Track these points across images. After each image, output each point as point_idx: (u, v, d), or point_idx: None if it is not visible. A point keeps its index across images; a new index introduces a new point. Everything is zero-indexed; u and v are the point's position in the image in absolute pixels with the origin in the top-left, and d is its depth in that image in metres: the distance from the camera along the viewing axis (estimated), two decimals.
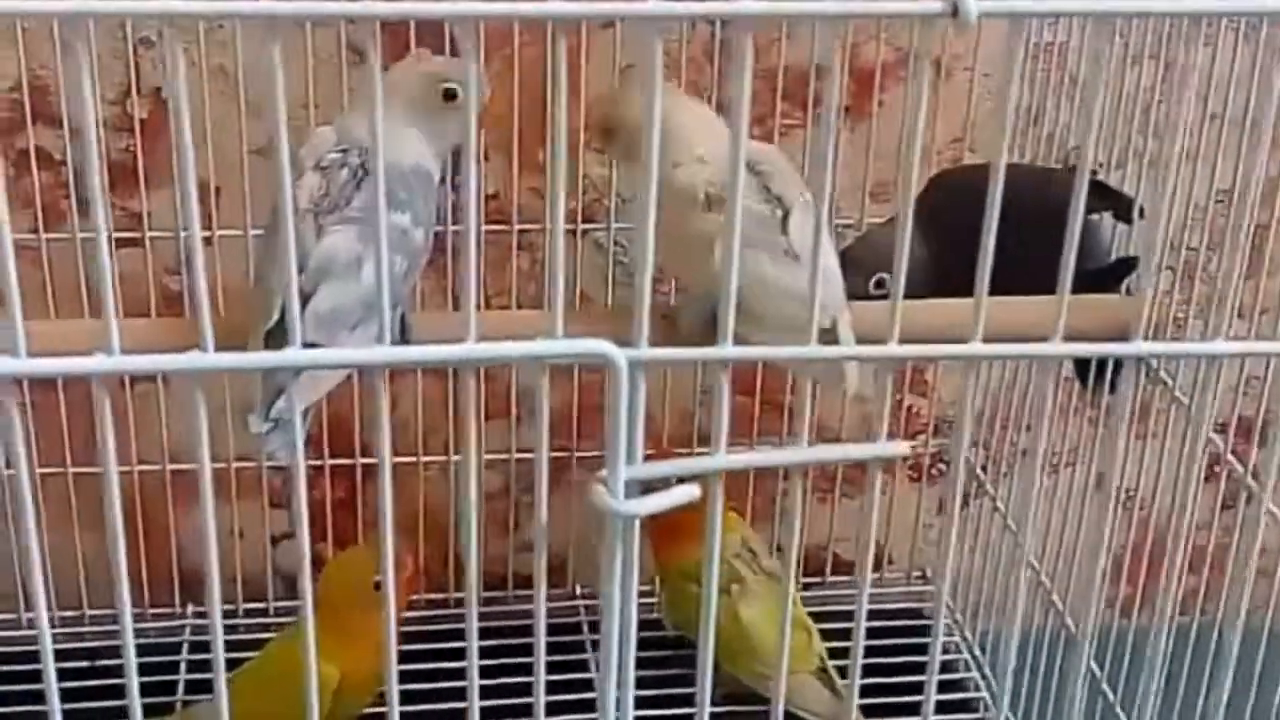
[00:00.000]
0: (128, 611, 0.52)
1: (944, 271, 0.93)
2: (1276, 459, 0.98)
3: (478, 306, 1.18)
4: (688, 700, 1.09)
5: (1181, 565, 0.96)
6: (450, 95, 0.88)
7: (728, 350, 0.52)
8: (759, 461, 0.54)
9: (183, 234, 1.15)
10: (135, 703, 0.55)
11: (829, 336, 0.92)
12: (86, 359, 0.47)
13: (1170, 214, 0.97)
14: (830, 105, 0.49)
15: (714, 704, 1.13)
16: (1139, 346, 0.57)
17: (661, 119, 0.87)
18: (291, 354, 0.49)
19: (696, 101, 0.92)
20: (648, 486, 0.52)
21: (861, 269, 0.95)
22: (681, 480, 0.53)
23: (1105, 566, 1.07)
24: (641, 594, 1.21)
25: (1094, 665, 1.09)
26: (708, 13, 0.49)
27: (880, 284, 0.96)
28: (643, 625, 1.18)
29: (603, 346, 0.49)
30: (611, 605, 0.53)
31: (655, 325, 0.94)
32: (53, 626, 1.20)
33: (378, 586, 1.04)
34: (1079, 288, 0.92)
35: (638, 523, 0.53)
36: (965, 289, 0.90)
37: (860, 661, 0.61)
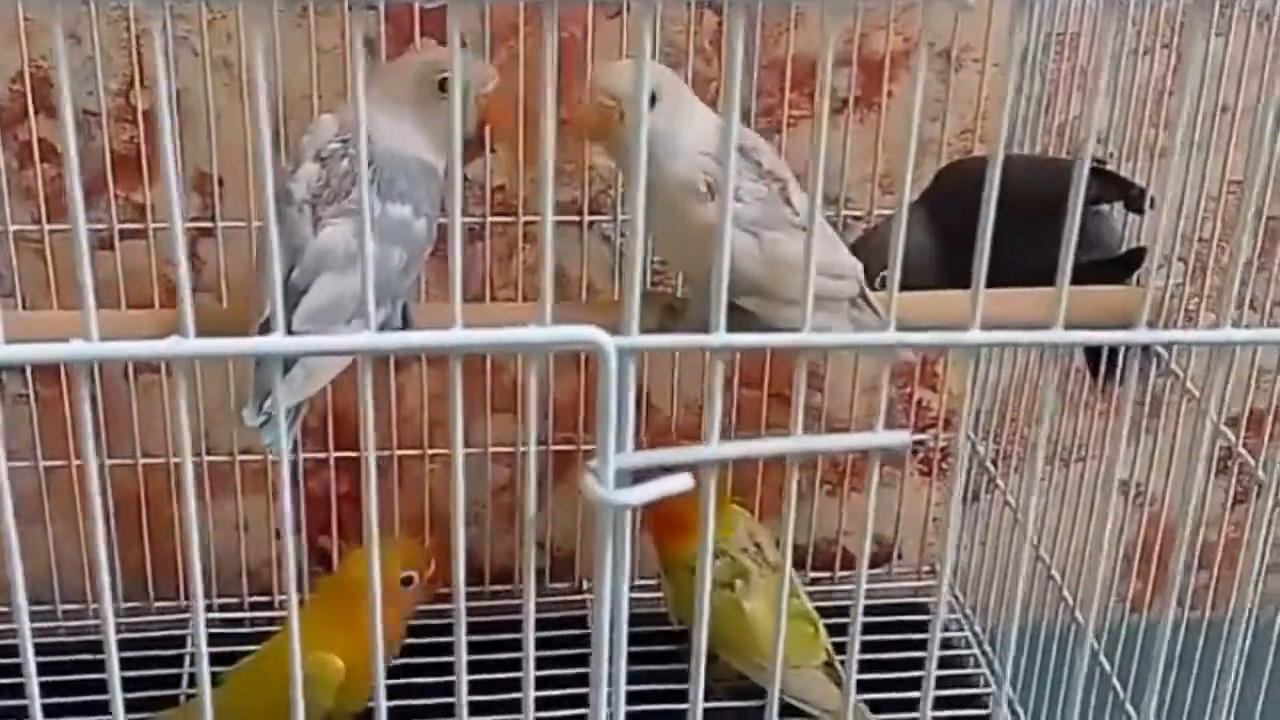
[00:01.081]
0: (108, 603, 0.51)
1: (953, 261, 0.92)
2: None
3: (481, 299, 1.18)
4: (672, 677, 1.10)
5: (1190, 560, 0.95)
6: (447, 85, 0.86)
7: (720, 337, 0.51)
8: (753, 451, 0.53)
9: (178, 226, 1.15)
10: (117, 699, 0.53)
11: (862, 301, 0.91)
12: (64, 345, 0.46)
13: (1181, 204, 0.96)
14: (824, 90, 0.48)
15: (719, 699, 1.13)
16: (1141, 334, 0.56)
17: (674, 100, 0.87)
18: (275, 340, 0.48)
19: (689, 92, 0.92)
20: (644, 476, 0.52)
21: (870, 262, 0.94)
22: (675, 470, 0.52)
23: (1116, 560, 1.06)
24: (648, 588, 1.22)
25: (1104, 660, 1.08)
26: None
27: (882, 282, 0.95)
28: (649, 619, 1.18)
29: (592, 333, 0.49)
30: (602, 595, 0.52)
31: (661, 317, 0.94)
32: (58, 619, 1.22)
33: (406, 582, 1.05)
34: (1090, 278, 0.91)
35: (630, 513, 0.52)
36: (966, 273, 0.90)
37: (856, 655, 0.60)
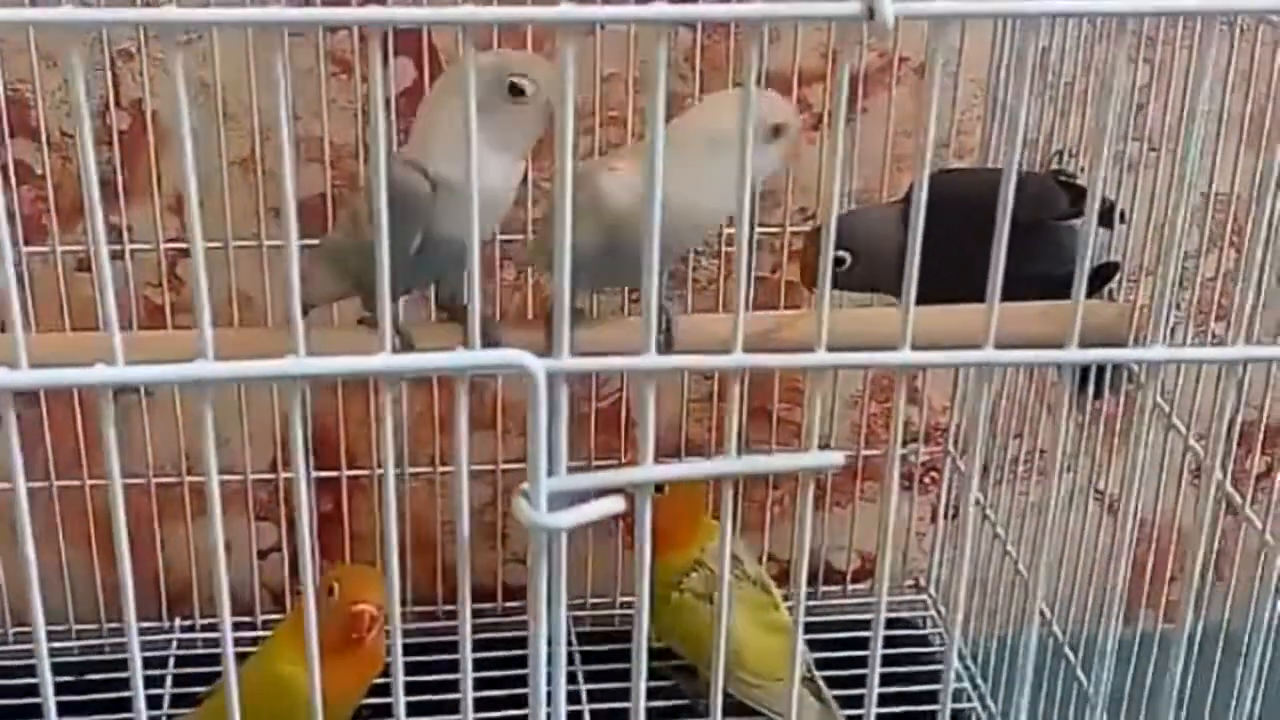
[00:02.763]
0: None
1: (927, 266, 0.92)
2: (1255, 467, 0.97)
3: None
4: (653, 694, 1.10)
5: (1160, 571, 0.95)
6: (516, 90, 0.81)
7: (651, 360, 0.51)
8: (686, 473, 0.53)
9: (163, 246, 1.15)
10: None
11: None
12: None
13: (1150, 218, 0.96)
14: (750, 112, 0.48)
15: (698, 714, 1.13)
16: (1074, 354, 0.56)
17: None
18: (203, 367, 0.48)
19: None
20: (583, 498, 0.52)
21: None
22: (609, 493, 0.52)
23: (1077, 565, 1.06)
24: (623, 604, 1.22)
25: (1081, 675, 1.08)
26: (627, 16, 0.48)
27: (839, 262, 0.94)
28: (621, 637, 1.18)
29: (519, 356, 0.49)
30: (538, 619, 0.52)
31: None
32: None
33: (330, 593, 1.04)
34: (1060, 293, 0.91)
35: (564, 535, 0.52)
36: (939, 285, 0.90)
37: (795, 666, 0.59)
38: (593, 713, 1.18)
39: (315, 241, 1.17)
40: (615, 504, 0.51)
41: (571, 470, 0.50)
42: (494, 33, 1.00)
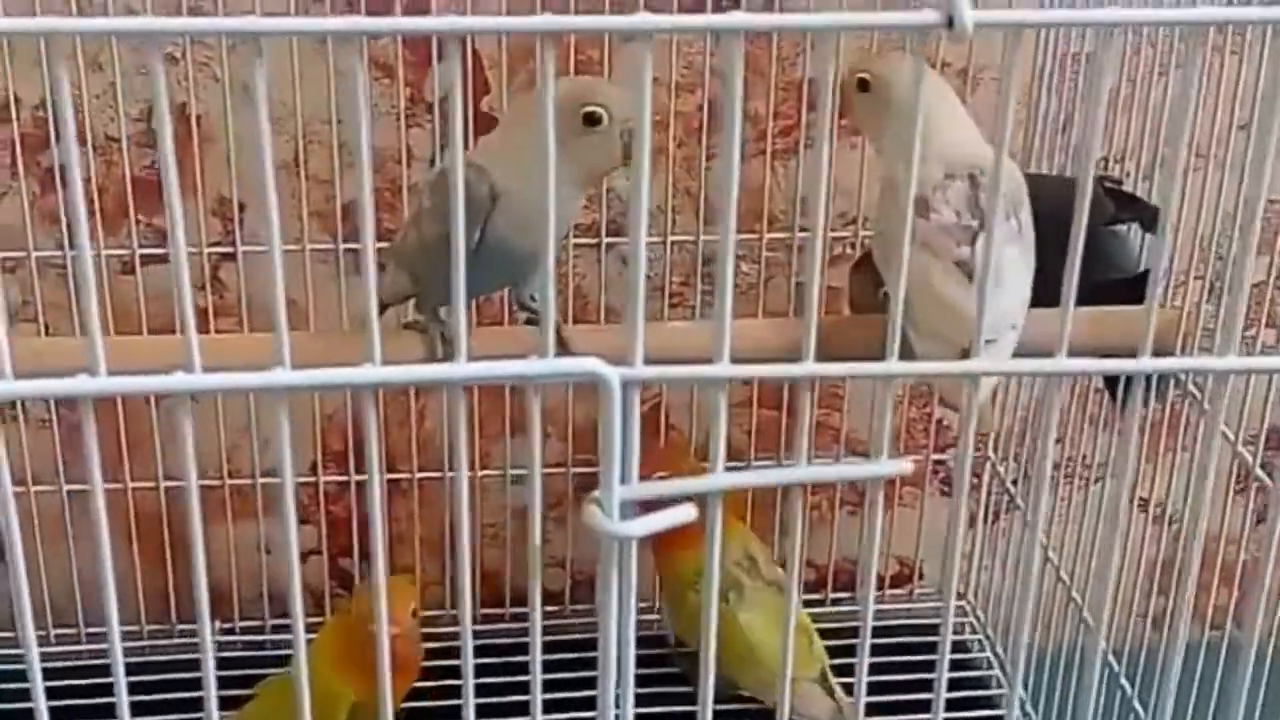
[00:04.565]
0: (115, 630, 0.51)
1: None
2: None
3: (499, 323, 1.18)
4: (679, 699, 1.10)
5: (1206, 579, 0.95)
6: (592, 120, 0.82)
7: (724, 369, 0.51)
8: (758, 481, 0.53)
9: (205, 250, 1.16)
10: None
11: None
12: (72, 380, 0.47)
13: (1198, 224, 0.96)
14: (825, 113, 0.48)
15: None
16: (1147, 363, 0.56)
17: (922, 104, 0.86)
18: (280, 375, 0.48)
19: (949, 91, 0.90)
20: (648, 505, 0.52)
21: (875, 275, 0.93)
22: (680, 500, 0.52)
23: (1136, 579, 1.06)
24: (643, 609, 1.22)
25: (1125, 683, 1.08)
26: (702, 25, 0.48)
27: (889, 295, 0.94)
28: (645, 641, 1.19)
29: (594, 365, 0.49)
30: (609, 627, 0.52)
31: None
32: (81, 643, 1.22)
33: (413, 614, 1.04)
34: (1106, 298, 0.91)
35: (634, 544, 0.52)
36: None
37: (865, 677, 0.60)
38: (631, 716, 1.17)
39: (355, 246, 1.18)
40: (688, 512, 0.51)
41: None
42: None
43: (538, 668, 0.54)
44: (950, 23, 0.46)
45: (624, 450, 0.50)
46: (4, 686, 1.11)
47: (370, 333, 0.50)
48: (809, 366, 0.52)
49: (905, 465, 0.53)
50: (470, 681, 0.55)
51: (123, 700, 0.53)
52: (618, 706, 0.54)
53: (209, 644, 0.53)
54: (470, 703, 0.55)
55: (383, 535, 0.51)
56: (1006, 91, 0.48)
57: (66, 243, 1.14)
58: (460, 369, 0.49)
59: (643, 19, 0.46)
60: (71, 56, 1.09)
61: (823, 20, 0.46)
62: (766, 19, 0.47)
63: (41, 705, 0.53)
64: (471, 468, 1.27)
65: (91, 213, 1.15)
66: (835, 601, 1.34)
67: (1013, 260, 0.84)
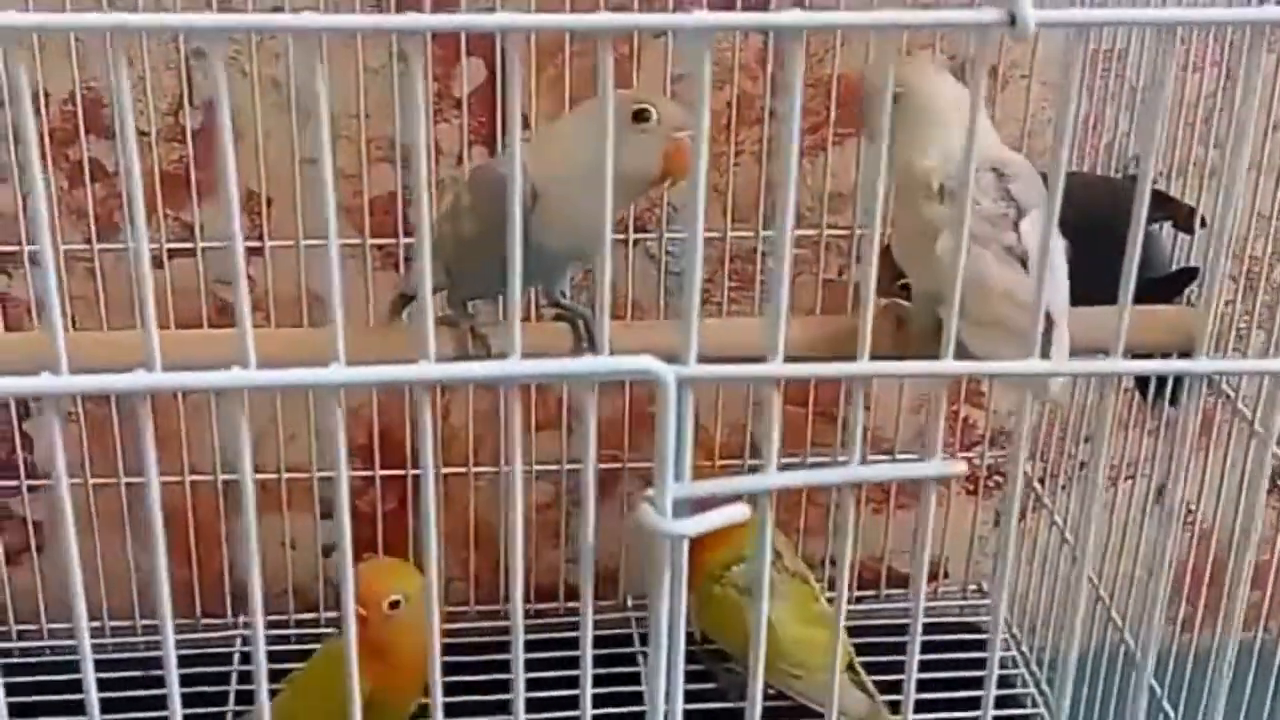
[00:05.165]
0: (169, 622, 0.51)
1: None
2: None
3: (528, 319, 1.18)
4: (701, 696, 1.10)
5: (1245, 583, 0.94)
6: (640, 116, 0.83)
7: (778, 368, 0.51)
8: (812, 480, 0.53)
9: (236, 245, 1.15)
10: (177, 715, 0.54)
11: (1044, 342, 0.89)
12: (127, 375, 0.46)
13: (1234, 223, 0.95)
14: (885, 111, 0.48)
15: (738, 703, 1.13)
16: (1204, 364, 0.55)
17: (924, 97, 0.86)
18: (336, 372, 0.48)
19: (955, 82, 0.89)
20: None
21: (891, 267, 0.93)
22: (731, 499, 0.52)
23: (1167, 587, 1.05)
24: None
25: (1153, 682, 1.07)
26: (760, 23, 0.48)
27: (906, 286, 0.94)
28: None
29: (650, 364, 0.48)
30: (660, 625, 0.52)
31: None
32: (106, 636, 1.22)
33: (393, 605, 1.02)
34: (1139, 298, 0.91)
35: (686, 543, 0.52)
36: None
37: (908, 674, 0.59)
38: None
39: (383, 242, 1.18)
40: (741, 511, 0.51)
41: None
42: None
43: (588, 662, 0.54)
44: (1012, 20, 0.46)
45: (678, 450, 0.50)
46: (55, 678, 1.12)
47: (424, 330, 0.49)
48: (865, 365, 0.51)
49: (959, 466, 0.53)
50: (520, 676, 0.55)
51: (174, 690, 0.53)
52: (667, 703, 0.54)
53: (260, 634, 0.52)
54: (520, 696, 0.55)
55: (437, 530, 0.51)
56: (1068, 90, 0.48)
57: (94, 236, 1.14)
58: (516, 366, 0.48)
59: (702, 17, 0.46)
60: (101, 51, 1.09)
61: (885, 18, 0.46)
62: (827, 17, 0.47)
63: (93, 697, 0.53)
64: (496, 463, 1.27)
65: (121, 206, 1.15)
66: (858, 600, 1.34)
67: (1058, 250, 0.83)
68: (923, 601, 0.57)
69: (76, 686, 1.13)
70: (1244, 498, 0.97)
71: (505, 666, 1.11)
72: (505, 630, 1.29)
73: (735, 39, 1.14)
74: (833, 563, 1.34)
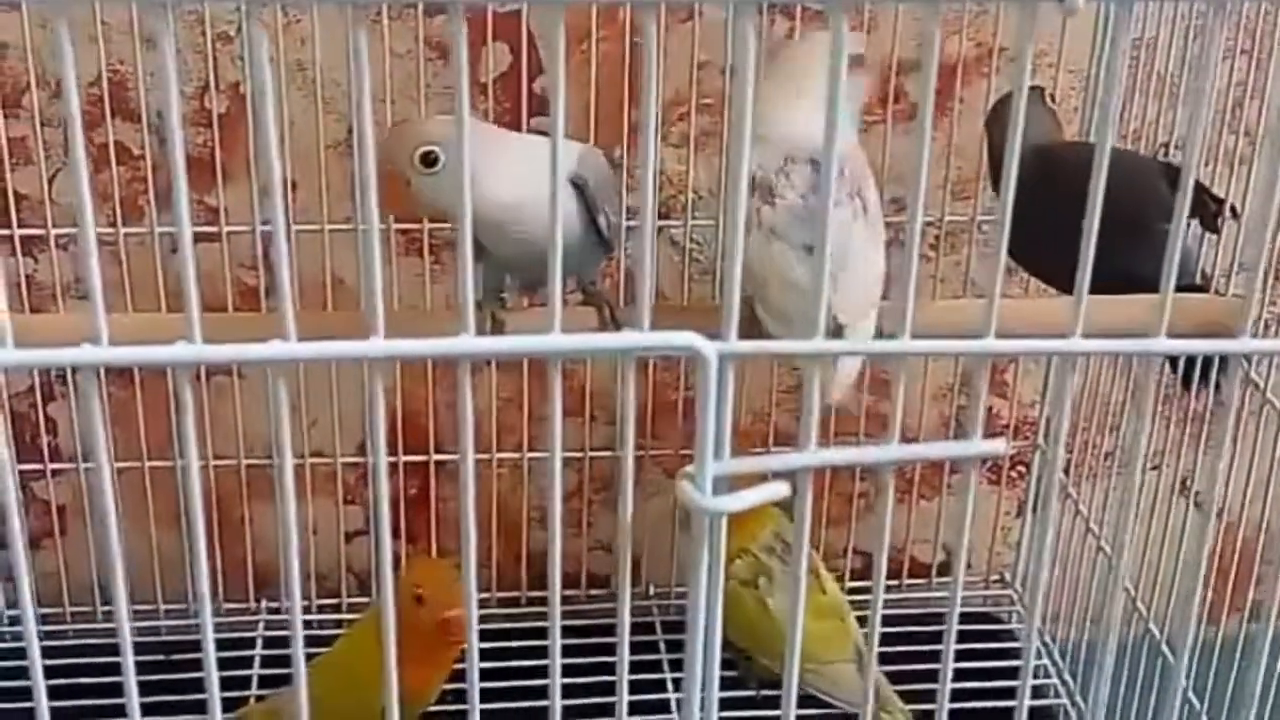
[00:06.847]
0: (208, 605, 0.51)
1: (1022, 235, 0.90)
2: None
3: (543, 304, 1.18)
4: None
5: (1276, 576, 0.94)
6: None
7: (820, 344, 0.51)
8: (852, 459, 0.53)
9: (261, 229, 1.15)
10: (215, 698, 0.54)
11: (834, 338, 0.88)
12: (169, 348, 0.46)
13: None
14: (928, 95, 0.48)
15: (752, 688, 1.14)
16: (1245, 344, 0.55)
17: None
18: (378, 344, 0.48)
19: (800, 75, 0.88)
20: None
21: None
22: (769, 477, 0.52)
23: (1202, 591, 1.05)
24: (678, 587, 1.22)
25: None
26: None
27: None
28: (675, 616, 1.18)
29: (692, 339, 0.48)
30: (697, 601, 0.52)
31: (745, 315, 0.93)
32: (130, 619, 1.22)
33: (419, 600, 1.02)
34: (1154, 289, 0.90)
35: (725, 520, 0.52)
36: (1037, 258, 0.87)
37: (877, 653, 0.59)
38: (678, 701, 1.17)
39: (407, 227, 1.18)
40: (781, 488, 0.50)
41: None
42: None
43: (625, 649, 0.54)
44: None
45: (718, 426, 0.50)
46: (89, 661, 1.12)
47: (465, 307, 0.49)
48: (904, 344, 0.51)
49: (999, 445, 0.53)
50: (557, 661, 0.54)
51: (212, 674, 0.53)
52: (704, 684, 0.54)
53: (299, 621, 0.52)
54: (557, 682, 0.55)
55: (472, 512, 0.51)
56: (1113, 68, 0.48)
57: (119, 220, 1.14)
58: (559, 340, 0.48)
59: None
60: (127, 33, 1.09)
61: None
62: None
63: (131, 682, 0.53)
64: (519, 449, 1.27)
65: (146, 191, 1.15)
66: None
67: (861, 240, 0.83)
68: (960, 590, 0.57)
69: (98, 670, 1.14)
70: (1274, 487, 0.97)
71: (526, 654, 1.13)
72: (526, 618, 1.30)
73: (763, 21, 1.14)
74: (855, 552, 1.34)
